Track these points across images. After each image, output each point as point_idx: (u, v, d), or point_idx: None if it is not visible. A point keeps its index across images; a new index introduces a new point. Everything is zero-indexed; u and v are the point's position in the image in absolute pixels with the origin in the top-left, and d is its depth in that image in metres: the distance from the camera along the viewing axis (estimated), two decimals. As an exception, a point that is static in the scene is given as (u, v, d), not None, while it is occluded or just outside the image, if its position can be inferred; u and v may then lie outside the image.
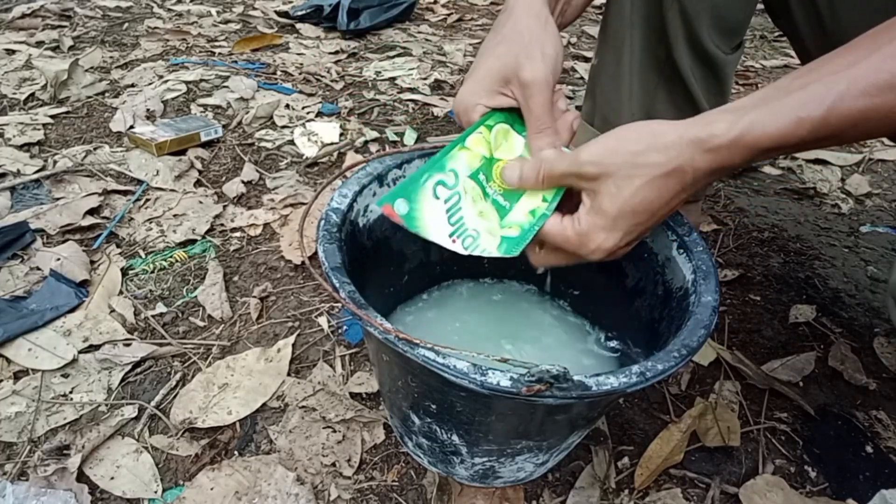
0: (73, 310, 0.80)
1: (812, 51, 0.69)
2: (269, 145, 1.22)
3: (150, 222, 0.98)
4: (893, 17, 0.40)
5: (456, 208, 0.51)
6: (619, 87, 0.78)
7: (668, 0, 0.68)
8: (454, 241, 0.50)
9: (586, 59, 1.79)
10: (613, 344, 0.68)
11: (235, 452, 0.65)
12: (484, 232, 0.50)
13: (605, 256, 0.46)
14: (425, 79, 1.55)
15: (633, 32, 0.73)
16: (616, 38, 0.75)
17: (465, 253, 0.50)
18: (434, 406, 0.50)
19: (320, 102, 1.39)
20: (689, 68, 0.73)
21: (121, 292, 0.84)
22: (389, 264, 0.66)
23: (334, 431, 0.67)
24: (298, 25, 1.86)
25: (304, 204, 1.04)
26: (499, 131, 0.53)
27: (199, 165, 1.12)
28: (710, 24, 0.69)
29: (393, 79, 1.55)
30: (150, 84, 1.39)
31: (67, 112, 1.26)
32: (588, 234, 0.45)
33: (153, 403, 0.69)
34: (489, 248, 0.49)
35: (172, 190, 1.05)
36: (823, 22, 0.64)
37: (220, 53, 1.61)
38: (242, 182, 1.09)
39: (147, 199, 1.03)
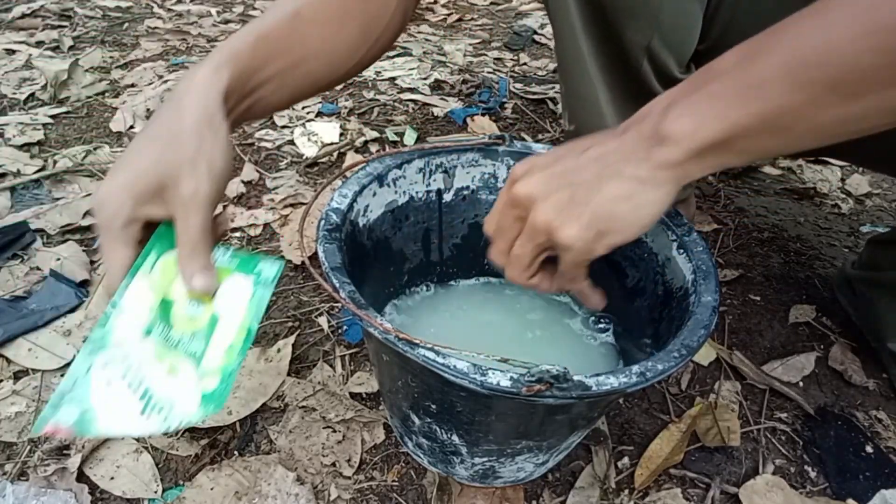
0: (73, 310, 0.80)
1: None
2: (268, 145, 1.22)
3: (150, 222, 0.98)
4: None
5: (138, 379, 0.43)
6: None
7: (638, 59, 0.68)
8: (150, 419, 0.42)
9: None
10: (603, 325, 0.68)
11: (235, 452, 0.65)
12: (179, 397, 0.43)
13: (544, 212, 0.43)
14: (425, 79, 1.55)
15: (603, 89, 0.73)
16: (588, 100, 0.75)
17: (169, 430, 0.44)
18: (434, 406, 0.50)
19: (320, 102, 1.39)
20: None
21: (121, 292, 0.84)
22: (389, 264, 0.66)
23: (334, 431, 0.67)
24: (298, 25, 1.85)
25: (304, 204, 1.04)
26: (167, 264, 0.45)
27: (199, 165, 1.12)
28: (675, 64, 0.71)
29: (393, 79, 1.55)
30: (150, 84, 1.39)
31: (67, 112, 1.26)
32: (514, 177, 0.45)
33: (153, 403, 0.69)
34: (189, 415, 0.42)
35: (172, 190, 1.05)
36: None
37: (220, 53, 1.61)
38: (242, 182, 1.09)
39: (147, 199, 1.03)
